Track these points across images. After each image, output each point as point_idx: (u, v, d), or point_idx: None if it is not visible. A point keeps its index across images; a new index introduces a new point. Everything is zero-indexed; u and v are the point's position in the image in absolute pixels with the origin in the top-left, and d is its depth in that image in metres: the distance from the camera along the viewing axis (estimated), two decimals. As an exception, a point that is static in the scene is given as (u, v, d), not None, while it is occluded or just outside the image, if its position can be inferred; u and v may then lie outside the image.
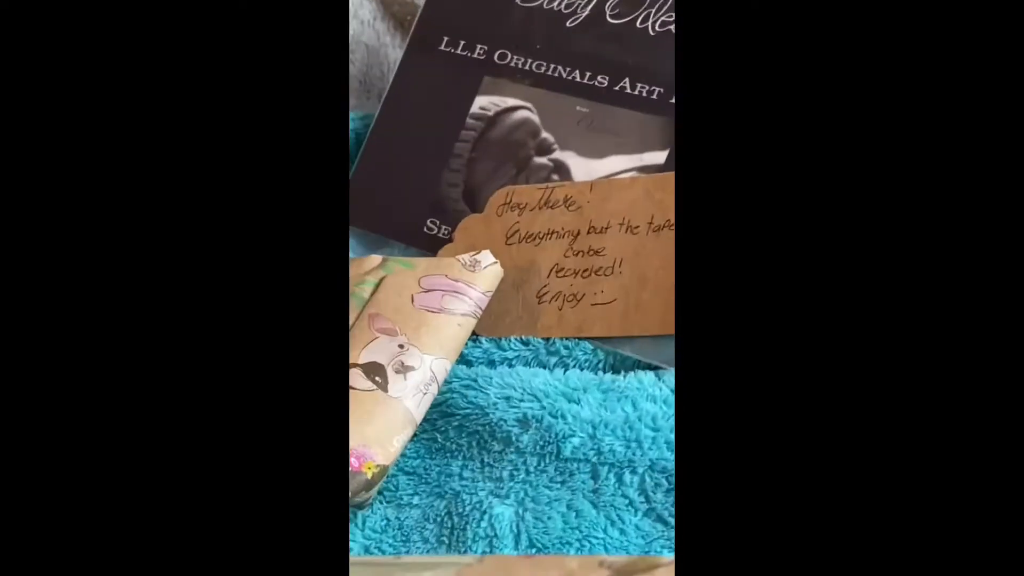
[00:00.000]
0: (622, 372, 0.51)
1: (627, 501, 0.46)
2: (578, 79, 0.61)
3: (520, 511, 0.46)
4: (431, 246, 0.60)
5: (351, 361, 0.49)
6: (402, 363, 0.49)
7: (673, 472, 0.46)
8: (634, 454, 0.46)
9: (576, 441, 0.47)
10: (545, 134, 0.61)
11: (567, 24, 0.62)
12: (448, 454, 0.49)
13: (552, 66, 0.62)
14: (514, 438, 0.48)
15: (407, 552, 0.46)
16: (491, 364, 0.54)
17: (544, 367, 0.53)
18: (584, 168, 0.59)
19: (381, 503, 0.48)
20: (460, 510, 0.47)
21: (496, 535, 0.45)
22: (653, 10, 0.60)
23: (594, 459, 0.47)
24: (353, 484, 0.45)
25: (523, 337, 0.55)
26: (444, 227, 0.62)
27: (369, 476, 0.46)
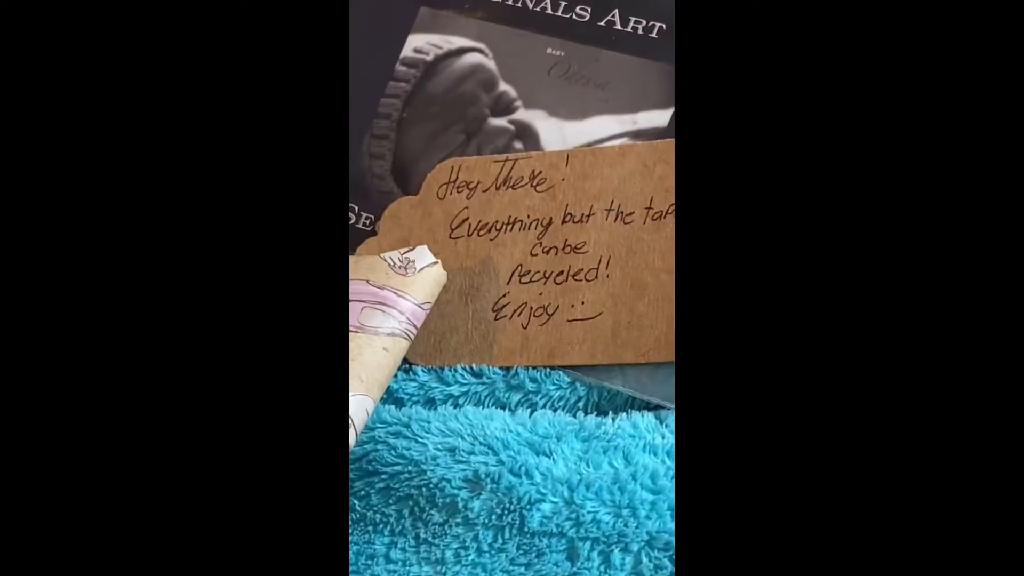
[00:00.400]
0: (610, 414, 0.51)
1: (617, 590, 0.46)
2: (549, 10, 0.61)
3: (470, 605, 0.47)
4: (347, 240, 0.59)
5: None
6: (307, 402, 0.49)
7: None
8: (626, 525, 0.46)
9: (547, 508, 0.47)
10: (504, 86, 0.61)
11: (534, -65, 0.62)
12: (370, 527, 0.50)
13: (514, -8, 0.61)
14: (462, 504, 0.48)
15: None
16: (430, 403, 0.54)
17: (503, 407, 0.53)
18: (558, 133, 0.59)
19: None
20: (387, 605, 0.46)
21: (437, 639, 0.45)
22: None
23: (572, 532, 0.47)
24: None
25: (474, 366, 0.55)
26: (365, 214, 0.61)
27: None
